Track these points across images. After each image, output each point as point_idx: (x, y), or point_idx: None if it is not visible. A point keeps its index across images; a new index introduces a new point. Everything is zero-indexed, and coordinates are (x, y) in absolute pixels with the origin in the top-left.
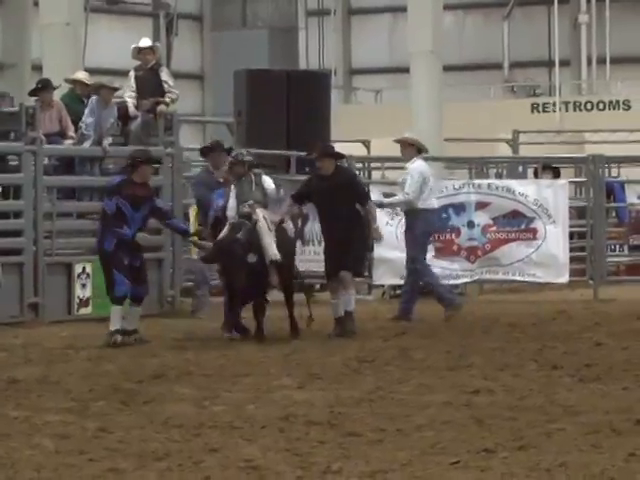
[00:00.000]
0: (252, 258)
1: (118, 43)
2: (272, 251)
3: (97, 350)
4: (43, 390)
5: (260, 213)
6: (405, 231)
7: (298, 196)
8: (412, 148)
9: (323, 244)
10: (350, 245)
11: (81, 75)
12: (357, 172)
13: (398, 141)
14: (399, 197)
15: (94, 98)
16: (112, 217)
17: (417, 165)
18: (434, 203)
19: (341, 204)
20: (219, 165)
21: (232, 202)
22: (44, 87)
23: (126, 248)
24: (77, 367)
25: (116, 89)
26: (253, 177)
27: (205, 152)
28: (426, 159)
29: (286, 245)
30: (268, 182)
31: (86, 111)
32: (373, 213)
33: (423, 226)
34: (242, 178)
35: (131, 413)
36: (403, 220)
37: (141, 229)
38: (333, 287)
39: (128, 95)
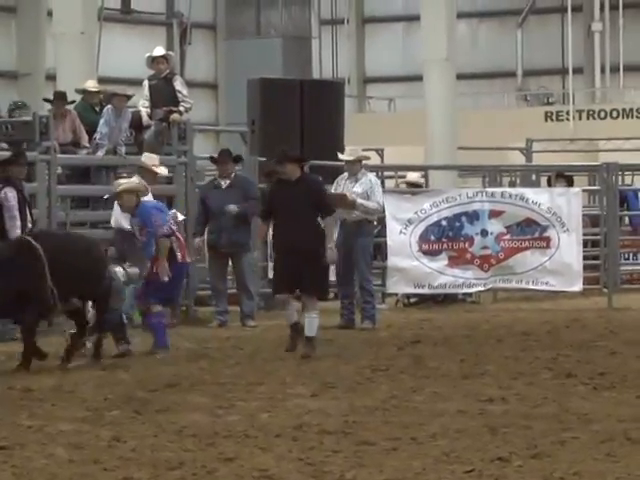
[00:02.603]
0: None
1: (132, 52)
2: None
3: (111, 359)
4: (57, 399)
5: None
6: (347, 240)
7: (266, 213)
8: (360, 162)
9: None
10: (313, 263)
11: (88, 84)
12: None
13: (352, 162)
14: (374, 204)
15: (109, 107)
16: None
17: (373, 177)
18: None
19: (304, 213)
20: (224, 174)
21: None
22: (58, 98)
23: None
24: (91, 376)
25: (129, 96)
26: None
27: (213, 161)
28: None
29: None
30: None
31: (101, 121)
32: (331, 230)
33: (371, 237)
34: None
35: (145, 422)
36: (416, 229)
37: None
38: (282, 301)
39: (142, 104)
